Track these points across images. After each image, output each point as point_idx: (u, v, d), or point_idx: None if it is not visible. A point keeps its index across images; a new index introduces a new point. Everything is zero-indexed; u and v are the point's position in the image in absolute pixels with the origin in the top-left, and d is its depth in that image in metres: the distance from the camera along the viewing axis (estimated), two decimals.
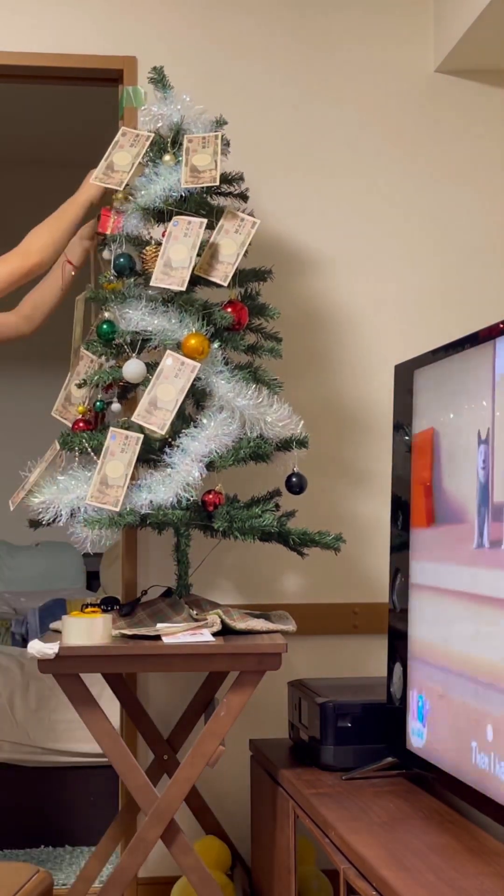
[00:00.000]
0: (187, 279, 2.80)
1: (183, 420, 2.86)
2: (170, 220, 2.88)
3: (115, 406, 2.97)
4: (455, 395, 2.40)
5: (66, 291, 3.12)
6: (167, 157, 2.94)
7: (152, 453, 2.85)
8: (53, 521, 2.80)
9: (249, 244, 2.91)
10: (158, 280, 2.81)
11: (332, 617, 3.49)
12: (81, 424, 2.93)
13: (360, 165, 3.59)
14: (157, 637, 2.72)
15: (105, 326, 2.88)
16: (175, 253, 2.83)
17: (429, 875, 2.05)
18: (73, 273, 3.10)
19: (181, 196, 2.90)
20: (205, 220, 2.86)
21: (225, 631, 2.80)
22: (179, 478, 2.74)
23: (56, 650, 2.63)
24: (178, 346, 2.81)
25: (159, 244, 2.88)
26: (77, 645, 2.65)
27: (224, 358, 2.88)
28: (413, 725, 2.59)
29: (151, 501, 2.73)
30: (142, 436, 2.78)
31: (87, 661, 2.68)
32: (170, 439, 2.82)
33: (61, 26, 3.47)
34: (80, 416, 2.94)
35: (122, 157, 2.95)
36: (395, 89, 3.61)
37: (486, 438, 2.21)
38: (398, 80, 3.61)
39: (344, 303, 3.57)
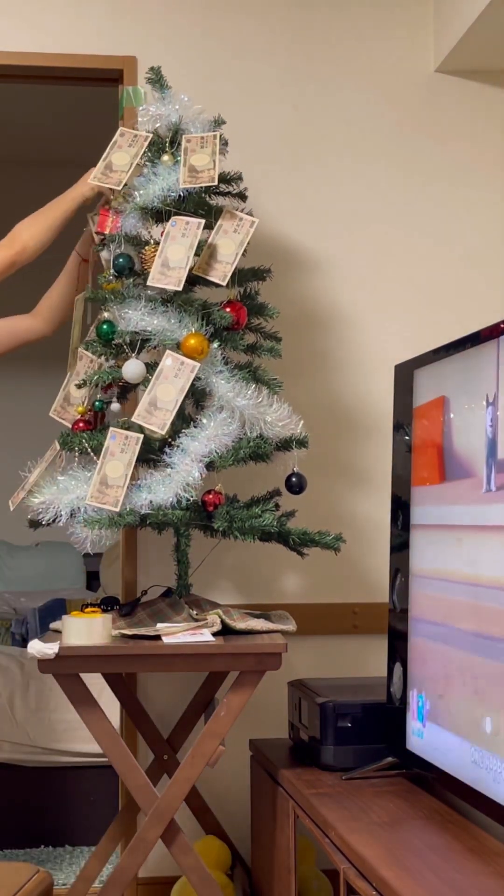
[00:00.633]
0: (184, 279, 2.80)
1: (183, 420, 2.86)
2: (168, 220, 2.88)
3: (115, 406, 2.97)
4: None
5: (81, 290, 3.12)
6: (166, 157, 2.94)
7: (152, 453, 2.85)
8: (53, 521, 2.80)
9: (248, 244, 2.91)
10: (156, 280, 2.82)
11: (332, 617, 3.49)
12: (81, 424, 2.93)
13: (360, 165, 3.59)
14: (157, 637, 2.72)
15: (105, 326, 2.88)
16: (172, 253, 2.83)
17: (429, 875, 2.05)
18: (88, 271, 3.10)
19: (180, 196, 2.90)
20: (202, 221, 2.86)
21: (225, 631, 2.80)
22: (179, 478, 2.74)
23: (56, 650, 2.63)
24: (178, 346, 2.81)
25: (158, 244, 2.88)
26: (77, 645, 2.65)
27: (224, 358, 2.88)
28: (413, 725, 2.59)
29: (151, 501, 2.73)
30: (142, 436, 2.78)
31: (87, 661, 2.68)
32: (169, 439, 2.82)
33: (61, 26, 3.48)
34: (79, 417, 2.94)
35: (120, 157, 2.95)
36: (395, 89, 3.61)
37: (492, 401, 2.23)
38: (398, 80, 3.61)
39: (344, 303, 3.57)
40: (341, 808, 2.50)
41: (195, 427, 2.81)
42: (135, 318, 2.84)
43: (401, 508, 2.72)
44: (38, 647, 2.64)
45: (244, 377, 2.88)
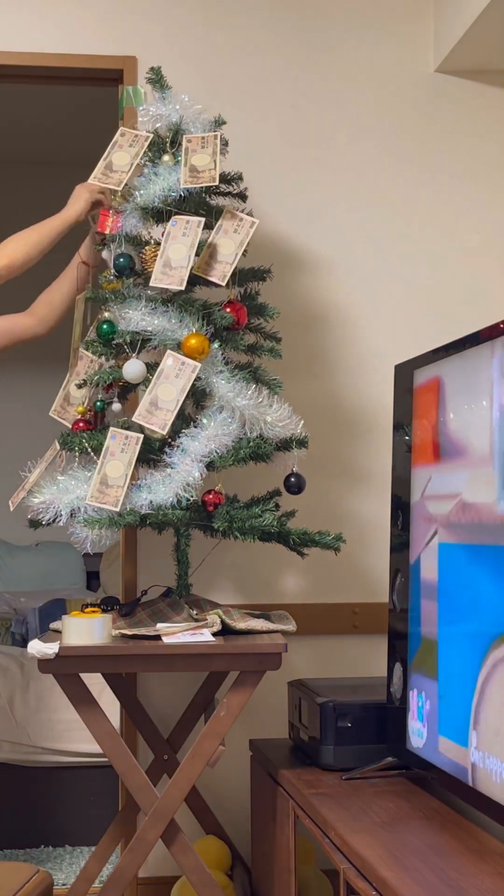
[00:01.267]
0: (186, 278, 2.80)
1: (183, 420, 2.86)
2: (169, 220, 2.88)
3: (116, 406, 2.97)
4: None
5: (81, 292, 3.12)
6: (166, 157, 2.94)
7: (152, 453, 2.85)
8: (53, 521, 2.80)
9: (248, 244, 2.91)
10: (157, 280, 2.81)
11: (332, 617, 3.49)
12: (81, 424, 2.93)
13: (360, 165, 3.59)
14: (157, 637, 2.72)
15: (105, 326, 2.88)
16: (174, 252, 2.83)
17: (429, 875, 2.05)
18: (88, 273, 3.10)
19: (180, 196, 2.90)
20: (203, 219, 2.86)
21: (225, 631, 2.80)
22: (179, 478, 2.74)
23: (56, 650, 2.63)
24: (178, 346, 2.81)
25: (159, 244, 2.88)
26: (77, 645, 2.65)
27: (224, 358, 2.88)
28: (413, 725, 2.59)
29: (151, 501, 2.73)
30: (142, 436, 2.78)
31: (87, 661, 2.68)
32: (170, 439, 2.82)
33: (62, 26, 3.48)
34: (79, 416, 2.94)
35: (120, 158, 2.95)
36: (395, 89, 3.61)
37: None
38: (398, 80, 3.61)
39: (344, 303, 3.57)
40: (341, 808, 2.50)
41: (195, 427, 2.81)
42: (135, 317, 2.84)
43: (401, 508, 2.72)
44: (38, 647, 2.64)
45: (244, 377, 2.88)
